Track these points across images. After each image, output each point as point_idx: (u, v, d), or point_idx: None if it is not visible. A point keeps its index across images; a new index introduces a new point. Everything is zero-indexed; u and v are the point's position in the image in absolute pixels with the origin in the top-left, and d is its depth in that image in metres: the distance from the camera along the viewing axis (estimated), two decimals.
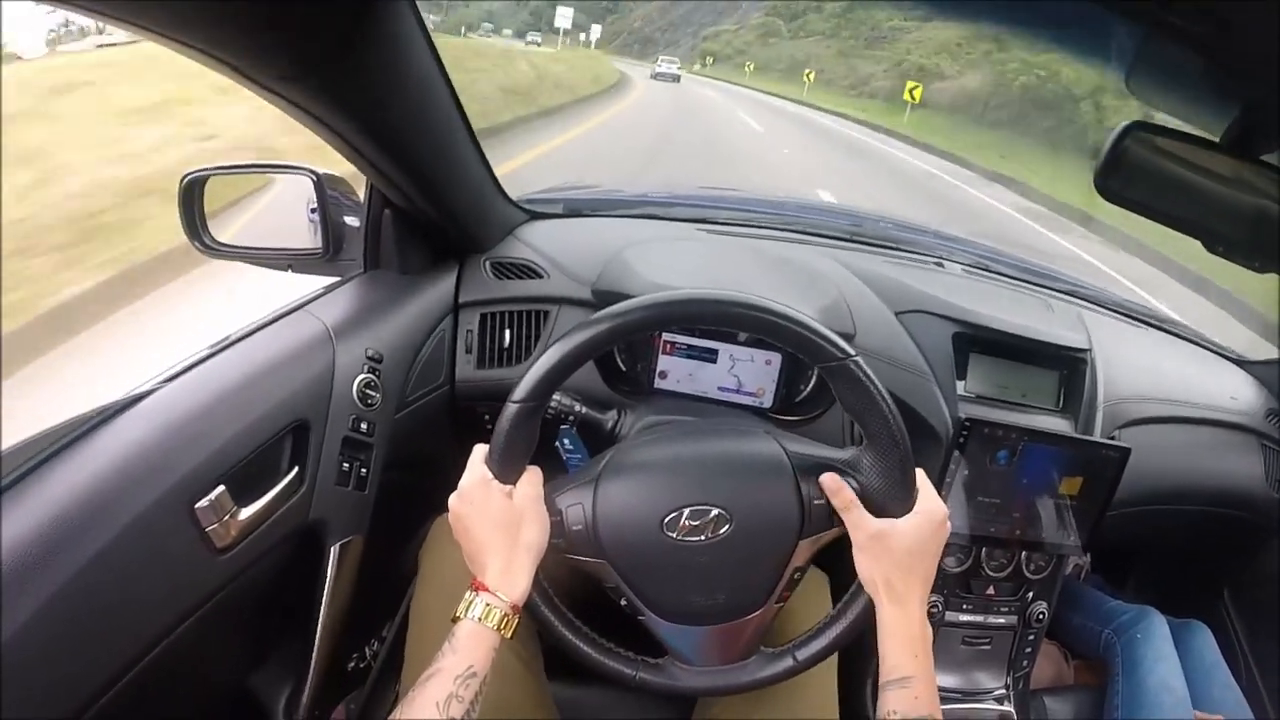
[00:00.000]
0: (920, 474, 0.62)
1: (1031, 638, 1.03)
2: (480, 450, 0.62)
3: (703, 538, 0.60)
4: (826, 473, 0.61)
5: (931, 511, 0.61)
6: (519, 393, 0.58)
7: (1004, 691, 1.03)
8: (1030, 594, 1.01)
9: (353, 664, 0.90)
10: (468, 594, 0.57)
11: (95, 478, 0.52)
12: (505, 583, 0.57)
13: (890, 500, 0.60)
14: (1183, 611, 1.19)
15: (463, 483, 0.61)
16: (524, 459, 0.61)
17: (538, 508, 0.61)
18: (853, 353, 0.58)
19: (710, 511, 0.60)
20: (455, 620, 0.57)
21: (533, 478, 0.62)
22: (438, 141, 0.75)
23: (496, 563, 0.58)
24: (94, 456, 0.53)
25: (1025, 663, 1.04)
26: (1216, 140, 0.55)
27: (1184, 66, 0.57)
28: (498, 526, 0.59)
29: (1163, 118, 0.66)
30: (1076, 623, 1.19)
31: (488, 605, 0.56)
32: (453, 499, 0.61)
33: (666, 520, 0.60)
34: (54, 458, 0.52)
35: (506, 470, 0.60)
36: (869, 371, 0.59)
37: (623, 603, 0.64)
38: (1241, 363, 1.27)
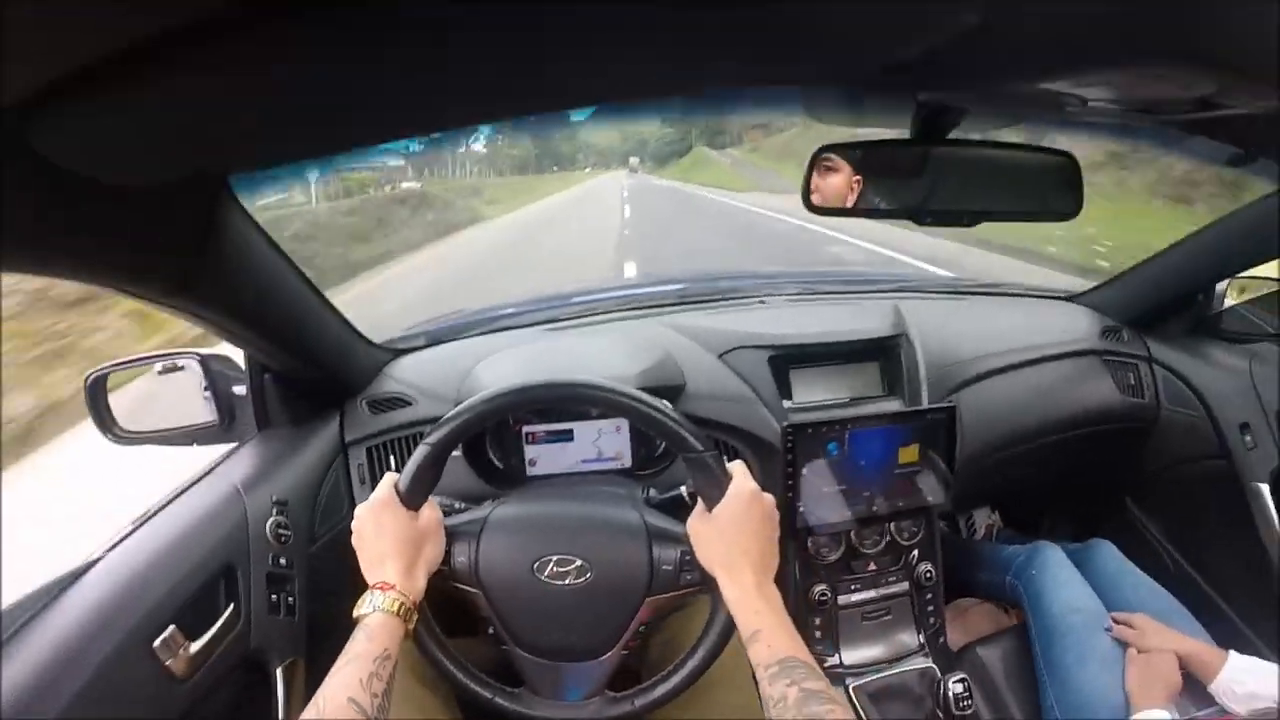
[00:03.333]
0: (735, 465, 0.76)
1: (929, 597, 1.20)
2: (390, 477, 0.78)
3: (566, 582, 0.77)
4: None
5: (738, 490, 0.73)
6: (432, 437, 0.76)
7: (921, 650, 1.19)
8: (915, 555, 1.18)
9: None
10: (368, 595, 0.70)
11: (65, 633, 0.66)
12: (407, 583, 0.72)
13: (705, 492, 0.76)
14: (1099, 533, 1.35)
15: (372, 499, 0.76)
16: (429, 491, 0.78)
17: (439, 531, 0.78)
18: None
19: (575, 561, 0.78)
20: (358, 619, 0.69)
21: (433, 509, 0.78)
22: (293, 313, 0.94)
23: (399, 566, 0.72)
24: (60, 616, 0.68)
25: (932, 620, 1.20)
26: (908, 136, 0.70)
27: (847, 91, 0.73)
28: (401, 541, 0.74)
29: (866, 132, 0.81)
30: (983, 579, 1.35)
31: (392, 599, 0.69)
32: (361, 509, 0.76)
33: (537, 564, 0.77)
34: (29, 622, 0.67)
35: (413, 497, 0.76)
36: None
37: (490, 631, 0.79)
38: (1071, 297, 1.49)
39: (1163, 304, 1.39)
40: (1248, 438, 1.27)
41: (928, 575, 1.18)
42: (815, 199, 0.79)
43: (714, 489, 0.75)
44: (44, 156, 0.46)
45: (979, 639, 1.30)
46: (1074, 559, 1.26)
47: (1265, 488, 1.25)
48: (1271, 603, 1.20)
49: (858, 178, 0.78)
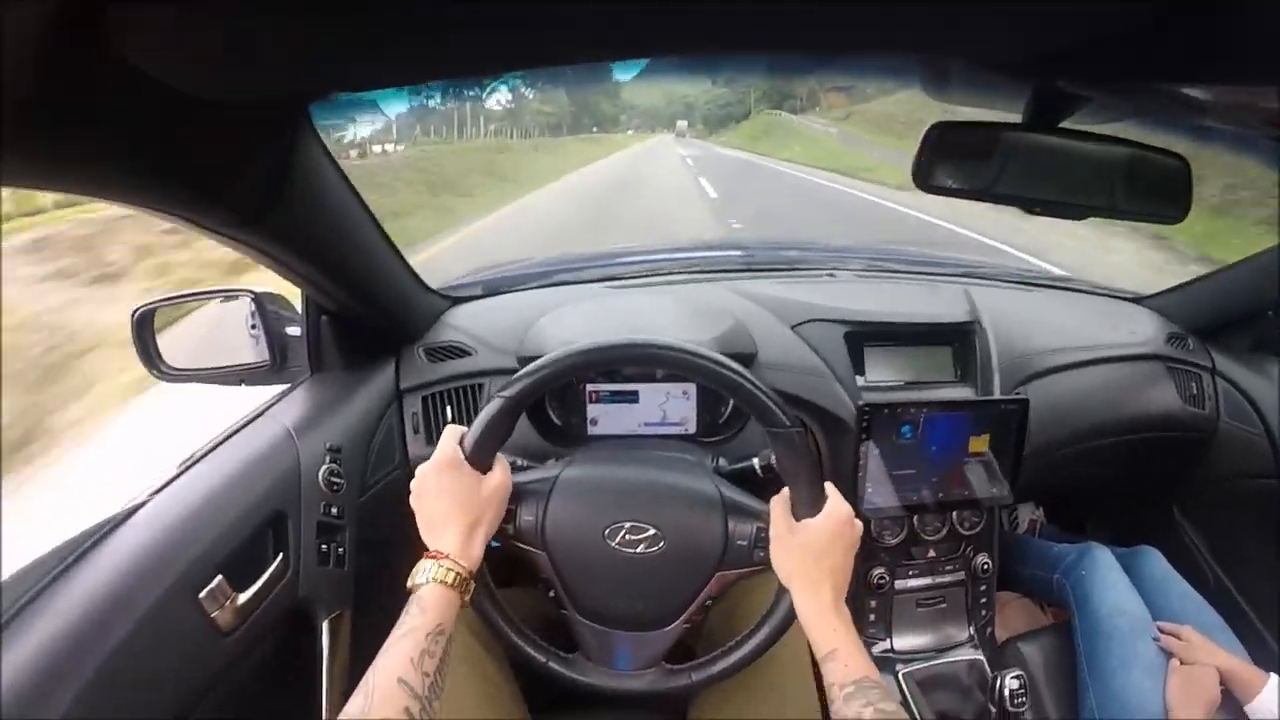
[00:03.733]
0: (828, 484, 0.75)
1: (983, 589, 1.17)
2: (453, 431, 0.72)
3: (637, 550, 0.74)
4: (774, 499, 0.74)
5: (835, 511, 0.73)
6: (509, 390, 0.71)
7: (971, 641, 1.17)
8: (970, 549, 1.15)
9: None
10: (423, 563, 0.67)
11: (109, 580, 0.63)
12: (464, 551, 0.68)
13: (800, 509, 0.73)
14: (1140, 539, 1.33)
15: (435, 457, 0.71)
16: (498, 447, 0.73)
17: (504, 494, 0.73)
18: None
19: (648, 530, 0.75)
20: (412, 589, 0.65)
21: (504, 470, 0.73)
22: (360, 253, 0.89)
23: (457, 534, 0.68)
24: (106, 561, 0.65)
25: (984, 612, 1.18)
26: (1019, 120, 0.68)
27: (968, 69, 0.73)
28: (462, 506, 0.69)
29: (967, 112, 0.77)
30: (1028, 574, 1.32)
31: (447, 569, 0.66)
32: (424, 468, 0.71)
33: (608, 530, 0.74)
34: (72, 567, 0.64)
35: (480, 456, 0.71)
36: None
37: (550, 594, 0.77)
38: (1138, 300, 1.46)
39: (1230, 316, 1.36)
40: None
41: (984, 567, 1.15)
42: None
43: (795, 467, 0.72)
44: (124, 58, 0.42)
45: (1022, 634, 1.28)
46: (1121, 563, 1.24)
47: None
48: None
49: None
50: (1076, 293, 1.45)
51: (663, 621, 0.76)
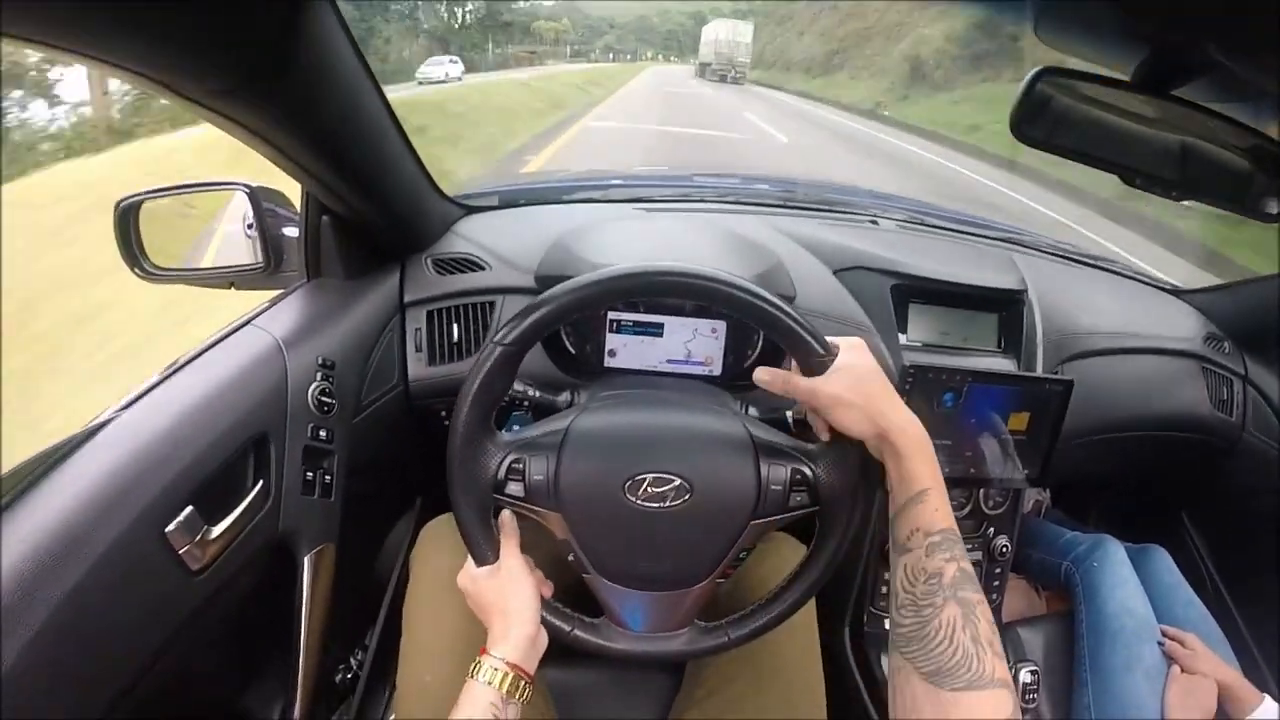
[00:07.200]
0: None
1: (998, 571, 1.10)
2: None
3: (663, 504, 0.65)
4: (760, 367, 0.66)
5: (850, 343, 0.64)
6: (505, 335, 0.61)
7: None
8: (991, 529, 1.08)
9: (340, 675, 0.92)
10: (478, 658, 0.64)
11: (65, 511, 0.53)
12: (499, 646, 0.63)
13: None
14: (1144, 537, 1.27)
15: (463, 569, 0.69)
16: (491, 536, 0.66)
17: (517, 578, 0.66)
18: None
19: (673, 480, 0.65)
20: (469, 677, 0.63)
21: (510, 548, 0.67)
22: (371, 143, 0.77)
23: (492, 630, 0.65)
24: (61, 490, 0.54)
25: (994, 595, 1.11)
26: (1128, 79, 0.59)
27: (1091, 10, 0.63)
28: (483, 607, 0.67)
29: (1074, 62, 0.70)
30: (1037, 558, 1.26)
31: (491, 668, 0.62)
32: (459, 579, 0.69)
33: (628, 484, 0.64)
34: (22, 495, 0.53)
35: (481, 553, 0.66)
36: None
37: (570, 558, 0.68)
38: (1177, 293, 1.37)
39: (1271, 325, 1.28)
40: None
41: (1003, 549, 1.08)
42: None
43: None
44: None
45: (1022, 620, 1.23)
46: (1131, 560, 1.18)
47: None
48: None
49: None
50: (1116, 275, 1.36)
51: (695, 579, 0.67)
